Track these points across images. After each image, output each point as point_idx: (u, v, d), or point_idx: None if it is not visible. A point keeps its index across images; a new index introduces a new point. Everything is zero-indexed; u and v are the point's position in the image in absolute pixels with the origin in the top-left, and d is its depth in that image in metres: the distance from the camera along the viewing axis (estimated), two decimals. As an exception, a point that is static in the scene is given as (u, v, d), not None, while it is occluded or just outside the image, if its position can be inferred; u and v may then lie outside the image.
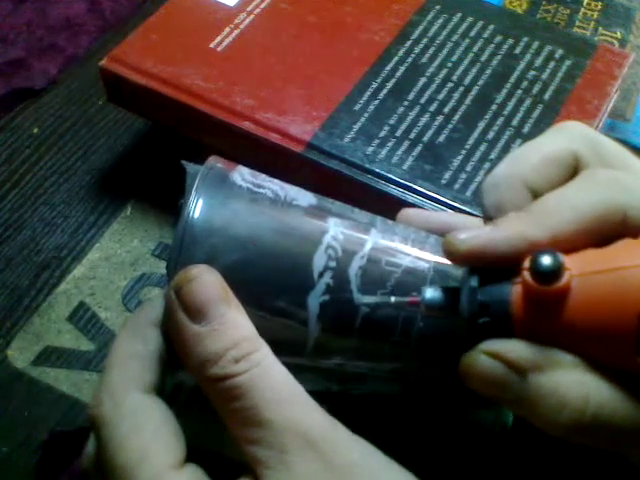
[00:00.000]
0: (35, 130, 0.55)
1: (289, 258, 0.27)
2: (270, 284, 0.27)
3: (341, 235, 0.28)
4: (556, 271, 0.23)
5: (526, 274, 0.23)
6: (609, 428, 0.23)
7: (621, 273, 0.23)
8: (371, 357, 0.28)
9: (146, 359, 0.28)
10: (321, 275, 0.27)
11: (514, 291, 0.24)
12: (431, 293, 0.26)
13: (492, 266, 0.25)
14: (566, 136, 0.28)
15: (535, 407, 0.23)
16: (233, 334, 0.26)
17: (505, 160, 0.28)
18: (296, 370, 0.26)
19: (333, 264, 0.27)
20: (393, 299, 0.27)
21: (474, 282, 0.25)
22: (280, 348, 0.26)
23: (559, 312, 0.23)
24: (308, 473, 0.24)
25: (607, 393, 0.23)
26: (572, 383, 0.23)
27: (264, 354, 0.26)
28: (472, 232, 0.25)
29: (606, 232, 0.25)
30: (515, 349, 0.24)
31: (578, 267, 0.23)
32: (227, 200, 0.28)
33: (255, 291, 0.27)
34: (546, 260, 0.23)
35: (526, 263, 0.23)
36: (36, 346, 0.44)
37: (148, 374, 0.27)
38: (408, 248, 0.28)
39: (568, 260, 0.23)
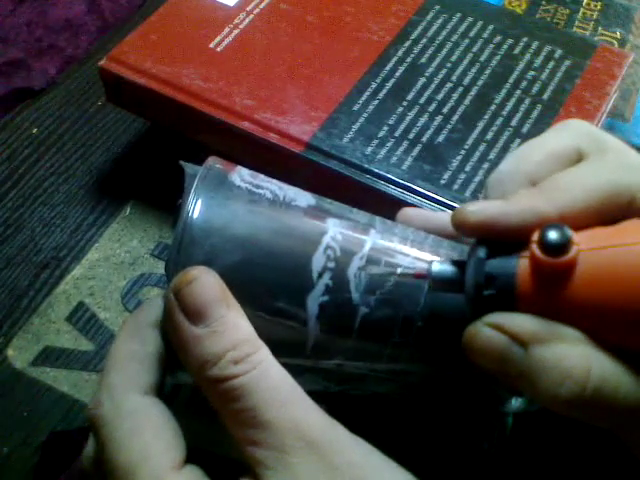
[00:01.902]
0: (34, 130, 0.55)
1: (288, 259, 0.27)
2: (269, 285, 0.27)
3: (340, 236, 0.28)
4: (564, 244, 0.23)
5: (534, 247, 0.23)
6: (610, 404, 0.23)
7: (628, 249, 0.23)
8: (370, 358, 0.28)
9: (145, 360, 0.28)
10: (320, 276, 0.27)
11: (521, 264, 0.24)
12: (438, 265, 0.26)
13: (500, 239, 0.25)
14: (569, 133, 0.28)
15: (537, 380, 0.23)
16: (232, 336, 0.26)
17: (509, 156, 0.28)
18: (295, 371, 0.26)
19: (332, 265, 0.27)
20: (399, 270, 0.27)
21: (482, 253, 0.25)
22: (279, 349, 0.26)
23: (565, 286, 0.23)
24: (308, 473, 0.24)
25: (610, 368, 0.23)
26: (575, 356, 0.23)
27: (263, 355, 0.26)
28: (482, 204, 0.25)
29: (614, 212, 0.25)
30: (519, 321, 0.24)
31: (586, 242, 0.23)
32: (226, 201, 0.28)
33: (254, 292, 0.27)
34: (555, 233, 0.23)
35: (534, 236, 0.24)
36: (35, 346, 0.44)
37: (147, 375, 0.27)
38: (407, 248, 0.28)
39: (576, 236, 0.23)
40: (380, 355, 0.28)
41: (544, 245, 0.23)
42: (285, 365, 0.26)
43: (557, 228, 0.23)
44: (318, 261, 0.27)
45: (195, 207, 0.27)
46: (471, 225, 0.25)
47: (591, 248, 0.23)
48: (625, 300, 0.23)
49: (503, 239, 0.25)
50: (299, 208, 0.29)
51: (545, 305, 0.24)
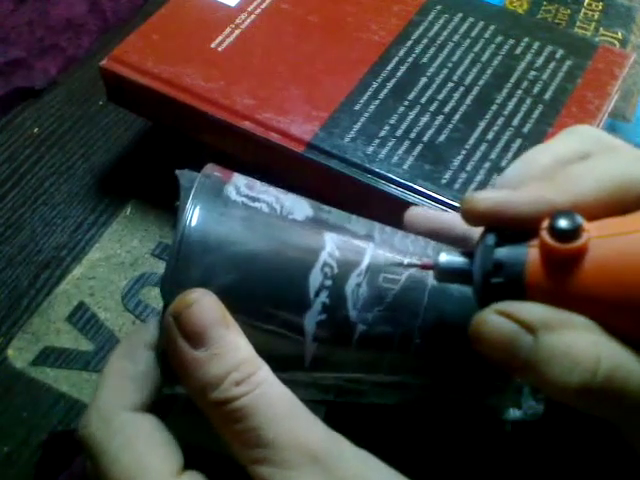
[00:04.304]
0: (35, 130, 0.55)
1: (285, 278, 0.27)
2: (266, 304, 0.27)
3: (337, 251, 0.28)
4: (574, 231, 0.23)
5: (544, 233, 0.23)
6: (619, 393, 0.23)
7: (639, 236, 0.23)
8: (368, 373, 0.28)
9: (136, 379, 0.28)
10: (317, 294, 0.27)
11: (530, 252, 0.24)
12: (446, 256, 0.26)
13: (509, 227, 0.25)
14: (577, 138, 0.28)
15: (545, 369, 0.23)
16: (233, 357, 0.26)
17: (517, 160, 0.28)
18: (294, 386, 0.26)
19: (329, 282, 0.27)
20: (406, 262, 0.27)
21: (490, 241, 0.24)
22: (277, 366, 0.26)
23: (575, 273, 0.23)
24: None
25: (620, 356, 0.23)
26: (585, 343, 0.23)
27: (264, 374, 0.26)
28: (492, 192, 0.25)
29: (625, 204, 0.25)
30: (528, 309, 0.24)
31: (596, 231, 0.23)
32: (221, 218, 0.27)
33: (251, 310, 0.27)
34: (565, 219, 0.23)
35: (545, 223, 0.23)
36: (35, 346, 0.44)
37: (137, 394, 0.27)
38: (406, 261, 0.28)
39: (587, 225, 0.23)
40: (378, 370, 0.28)
41: (554, 231, 0.23)
42: (283, 380, 0.26)
43: (567, 215, 0.23)
44: (315, 279, 0.27)
45: (190, 225, 0.27)
46: (480, 212, 0.25)
47: (601, 235, 0.23)
48: (635, 288, 0.22)
49: (512, 228, 0.25)
50: (296, 222, 0.28)
51: (554, 293, 0.23)
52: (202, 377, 0.26)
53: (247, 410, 0.25)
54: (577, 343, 0.23)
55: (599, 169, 0.25)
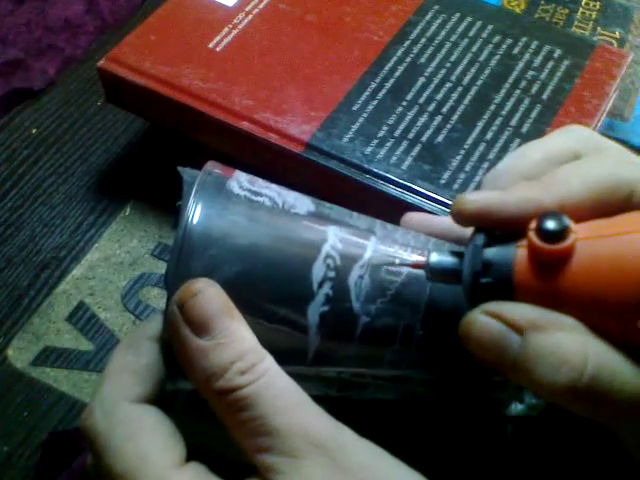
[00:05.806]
0: (34, 130, 0.55)
1: (288, 270, 0.27)
2: (269, 296, 0.27)
3: (340, 244, 0.28)
4: (561, 231, 0.23)
5: (532, 234, 0.24)
6: (606, 393, 0.23)
7: (626, 237, 0.23)
8: (371, 366, 0.28)
9: (138, 372, 0.28)
10: (320, 285, 0.27)
11: (519, 252, 0.24)
12: (436, 256, 0.26)
13: (498, 229, 0.25)
14: (571, 137, 0.29)
15: (533, 368, 0.23)
16: (237, 347, 0.26)
17: (509, 155, 0.28)
18: (297, 379, 0.26)
19: (332, 274, 0.27)
20: (398, 261, 0.27)
21: (479, 241, 0.25)
22: (281, 358, 0.26)
23: (562, 274, 0.23)
24: (320, 476, 0.24)
25: (607, 356, 0.23)
26: (572, 343, 0.23)
27: (268, 364, 0.26)
28: (481, 193, 0.26)
29: (613, 206, 0.25)
30: (516, 309, 0.24)
31: (584, 232, 0.24)
32: (224, 211, 0.28)
33: (254, 302, 0.27)
34: (552, 220, 0.23)
35: (532, 224, 0.24)
36: (35, 346, 0.44)
37: (139, 386, 0.28)
38: (408, 255, 0.28)
39: (574, 226, 0.24)
40: (381, 363, 0.28)
41: (541, 232, 0.23)
42: (287, 373, 0.26)
43: (555, 216, 0.23)
44: (318, 271, 0.27)
45: (193, 218, 0.27)
46: (469, 213, 0.25)
47: (588, 237, 0.23)
48: (622, 289, 0.23)
49: (502, 229, 0.25)
50: (298, 216, 0.28)
51: (542, 293, 0.24)
52: (206, 366, 0.26)
53: (252, 399, 0.25)
54: (565, 343, 0.23)
55: (586, 171, 0.26)
